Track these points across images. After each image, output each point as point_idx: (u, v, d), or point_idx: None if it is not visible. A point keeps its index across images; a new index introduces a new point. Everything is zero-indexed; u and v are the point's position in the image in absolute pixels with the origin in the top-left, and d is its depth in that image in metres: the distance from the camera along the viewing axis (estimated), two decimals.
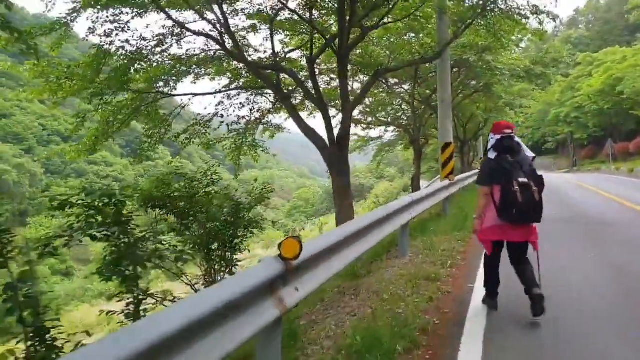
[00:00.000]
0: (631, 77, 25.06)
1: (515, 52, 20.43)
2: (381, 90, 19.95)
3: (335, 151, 9.08)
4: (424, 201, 7.63)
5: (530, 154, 4.10)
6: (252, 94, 11.60)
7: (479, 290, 4.62)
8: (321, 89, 13.05)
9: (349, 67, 11.77)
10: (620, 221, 9.35)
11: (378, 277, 5.32)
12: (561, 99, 45.09)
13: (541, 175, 3.98)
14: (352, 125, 21.23)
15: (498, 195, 3.92)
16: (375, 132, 23.34)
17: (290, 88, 11.40)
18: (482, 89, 21.82)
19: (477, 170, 20.22)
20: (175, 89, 10.60)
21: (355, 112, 19.87)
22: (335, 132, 9.23)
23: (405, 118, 19.71)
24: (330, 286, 5.13)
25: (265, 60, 10.61)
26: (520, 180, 3.82)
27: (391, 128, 22.64)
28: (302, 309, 4.43)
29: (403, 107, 20.05)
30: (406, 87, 19.53)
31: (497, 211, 3.94)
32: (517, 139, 4.09)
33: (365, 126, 23.49)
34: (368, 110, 21.50)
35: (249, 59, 10.02)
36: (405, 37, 14.12)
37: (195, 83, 12.04)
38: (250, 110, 11.91)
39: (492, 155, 4.06)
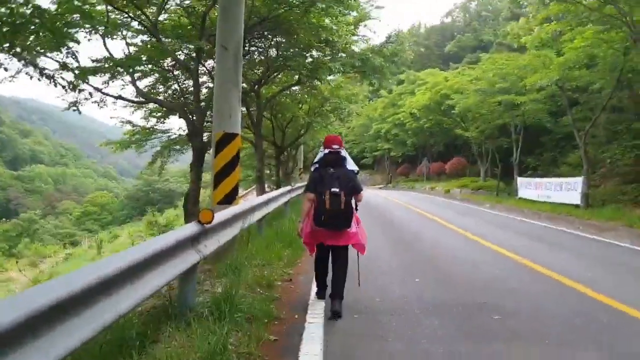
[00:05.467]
0: (470, 90, 23.08)
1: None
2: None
3: None
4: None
5: (353, 167, 4.52)
6: None
7: None
8: None
9: None
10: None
11: None
12: (383, 114, 44.07)
13: (354, 187, 4.34)
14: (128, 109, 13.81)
15: (315, 203, 4.28)
16: (152, 121, 16.17)
17: None
18: (305, 80, 16.59)
19: (295, 186, 14.17)
20: None
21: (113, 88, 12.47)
22: None
23: (182, 97, 12.99)
24: None
25: None
26: (332, 190, 4.16)
27: (176, 117, 15.72)
28: None
29: (185, 82, 13.40)
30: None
31: (313, 217, 4.31)
32: (343, 152, 4.50)
33: (143, 112, 16.20)
34: (147, 88, 14.33)
35: None
36: None
37: None
38: None
39: (316, 166, 4.44)
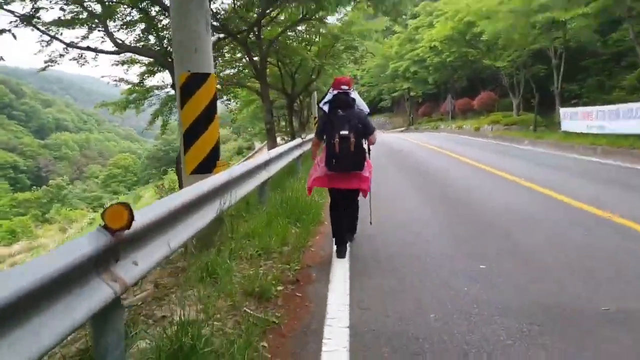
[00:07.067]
0: (501, 13, 20.03)
1: None
2: None
3: None
4: None
5: (365, 108, 4.36)
6: None
7: None
8: None
9: None
10: None
11: None
12: (400, 52, 41.04)
13: (366, 128, 4.14)
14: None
15: (325, 147, 4.19)
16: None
17: None
18: (311, 15, 14.52)
19: (306, 138, 13.09)
20: None
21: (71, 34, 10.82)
22: None
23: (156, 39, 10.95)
24: None
25: None
26: (342, 133, 4.02)
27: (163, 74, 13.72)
28: None
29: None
30: None
31: (325, 161, 4.20)
32: (353, 94, 4.28)
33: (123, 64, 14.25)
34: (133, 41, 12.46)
35: None
36: None
37: None
38: None
39: (326, 108, 4.27)
